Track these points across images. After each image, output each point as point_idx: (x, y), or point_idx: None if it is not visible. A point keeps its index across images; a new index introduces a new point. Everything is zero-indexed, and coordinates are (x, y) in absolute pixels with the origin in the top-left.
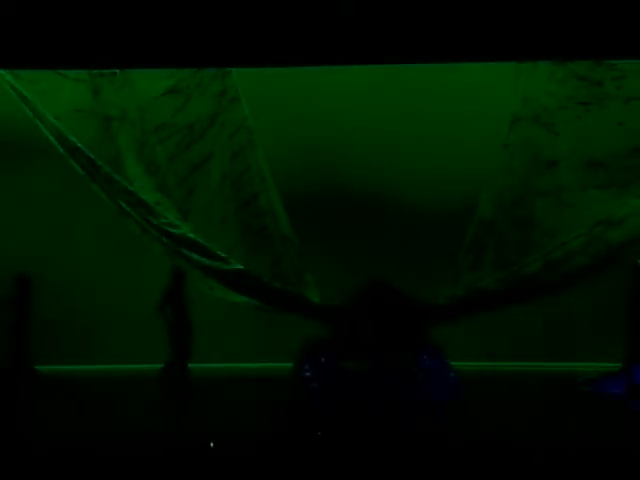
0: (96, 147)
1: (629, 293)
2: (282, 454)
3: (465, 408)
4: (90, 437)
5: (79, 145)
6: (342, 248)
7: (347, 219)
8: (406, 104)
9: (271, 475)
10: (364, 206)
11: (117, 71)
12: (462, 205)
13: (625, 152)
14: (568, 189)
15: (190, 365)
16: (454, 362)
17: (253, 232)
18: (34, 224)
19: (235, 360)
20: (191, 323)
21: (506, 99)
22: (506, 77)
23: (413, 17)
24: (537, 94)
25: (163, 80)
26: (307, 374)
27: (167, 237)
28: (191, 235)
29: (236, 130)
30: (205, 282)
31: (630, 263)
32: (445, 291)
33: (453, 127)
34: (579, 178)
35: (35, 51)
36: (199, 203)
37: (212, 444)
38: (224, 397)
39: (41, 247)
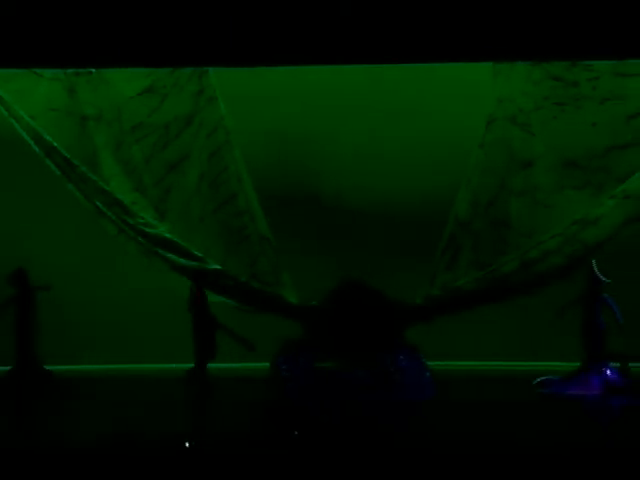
0: (72, 147)
1: (585, 293)
2: (262, 453)
3: (441, 408)
4: (88, 436)
5: (55, 144)
6: (320, 248)
7: (325, 219)
8: (383, 104)
9: (251, 474)
10: (341, 206)
11: (93, 70)
12: (439, 205)
13: (600, 152)
14: (544, 189)
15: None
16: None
17: (231, 232)
18: (33, 224)
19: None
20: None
21: (483, 99)
22: (483, 77)
23: (389, 18)
24: (514, 94)
25: (139, 79)
26: (285, 374)
27: (143, 237)
28: (167, 235)
29: (213, 130)
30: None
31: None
32: (421, 291)
33: (429, 126)
34: (555, 178)
35: (10, 50)
36: (176, 203)
37: (187, 444)
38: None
39: (41, 247)
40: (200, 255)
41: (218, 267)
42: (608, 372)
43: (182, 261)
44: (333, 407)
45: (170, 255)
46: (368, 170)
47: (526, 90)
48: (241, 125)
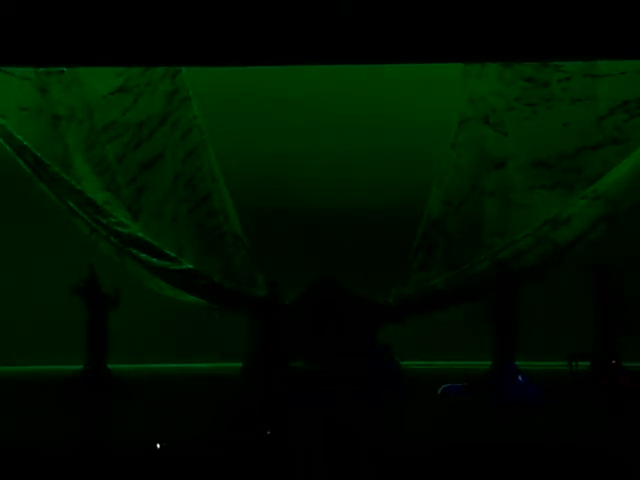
0: (43, 146)
1: (497, 295)
2: (234, 454)
3: (414, 408)
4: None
5: (26, 144)
6: (293, 248)
7: (298, 219)
8: (356, 104)
9: (226, 475)
10: (314, 205)
11: (64, 69)
12: (412, 205)
13: (570, 153)
14: (516, 189)
15: None
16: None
17: (204, 231)
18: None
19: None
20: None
21: (454, 99)
22: (454, 77)
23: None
24: (485, 95)
25: (111, 79)
26: (257, 374)
27: (116, 237)
28: (140, 234)
29: (188, 130)
30: (154, 282)
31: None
32: (394, 291)
33: (402, 127)
34: (527, 178)
35: None
36: (149, 203)
37: (159, 445)
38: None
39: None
40: (173, 255)
41: (191, 267)
42: (520, 378)
43: (155, 261)
44: (305, 407)
45: (143, 255)
46: (341, 169)
47: (498, 91)
48: (214, 125)
